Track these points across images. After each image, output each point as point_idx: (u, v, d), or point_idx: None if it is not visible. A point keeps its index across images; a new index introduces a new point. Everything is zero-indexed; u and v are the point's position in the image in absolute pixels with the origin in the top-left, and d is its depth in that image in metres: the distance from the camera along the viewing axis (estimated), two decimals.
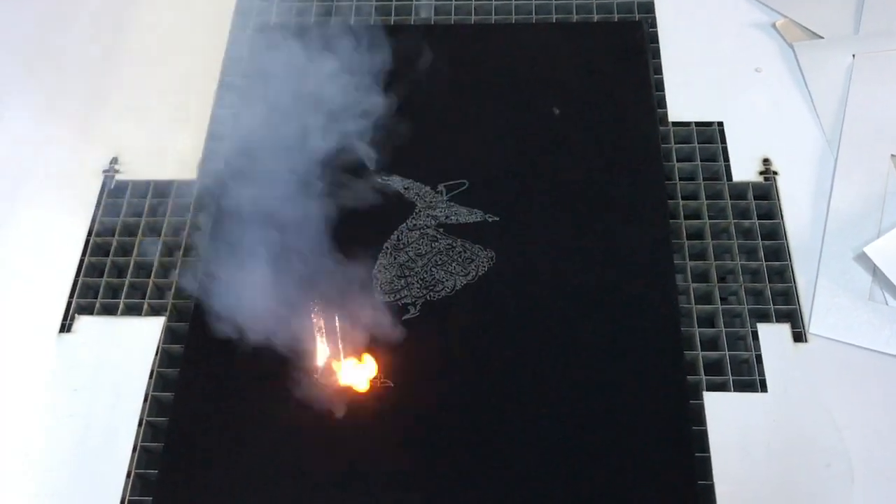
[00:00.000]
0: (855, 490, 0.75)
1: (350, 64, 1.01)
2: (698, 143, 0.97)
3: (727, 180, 0.94)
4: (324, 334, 0.83)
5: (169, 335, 0.86)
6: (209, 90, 1.04)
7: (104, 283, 0.89)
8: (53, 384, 0.83)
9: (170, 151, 0.98)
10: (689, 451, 0.76)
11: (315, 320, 0.83)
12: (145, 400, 0.82)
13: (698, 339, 0.84)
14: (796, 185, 0.93)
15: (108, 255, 0.92)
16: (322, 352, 0.82)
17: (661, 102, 1.00)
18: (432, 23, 1.10)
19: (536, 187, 0.93)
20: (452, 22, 1.10)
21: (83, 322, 0.87)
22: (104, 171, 0.97)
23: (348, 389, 0.80)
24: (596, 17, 1.09)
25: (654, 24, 1.08)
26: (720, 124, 0.98)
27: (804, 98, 1.00)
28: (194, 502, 0.76)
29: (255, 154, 0.94)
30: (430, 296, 0.86)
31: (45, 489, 0.77)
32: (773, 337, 0.84)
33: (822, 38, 1.05)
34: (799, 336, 0.84)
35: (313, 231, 0.87)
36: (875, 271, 0.86)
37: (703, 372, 0.82)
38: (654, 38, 1.06)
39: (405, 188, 0.93)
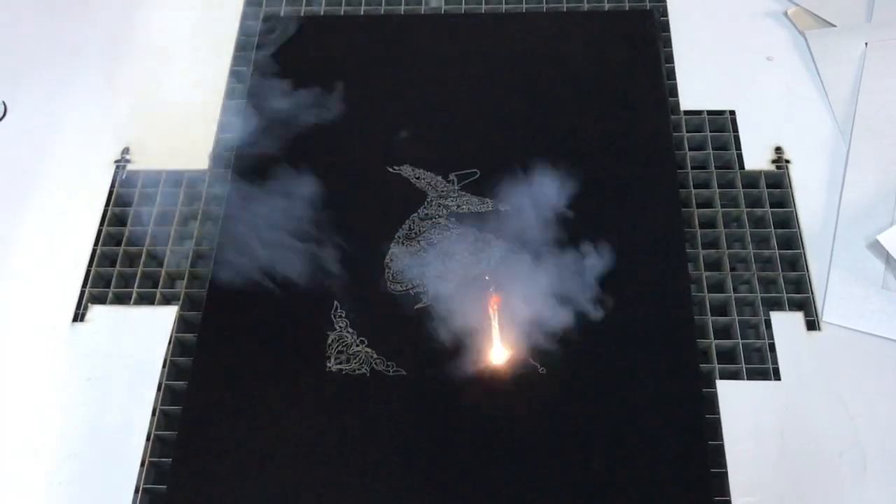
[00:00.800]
0: (868, 479, 0.75)
1: (358, 55, 1.01)
2: (710, 132, 0.97)
3: (739, 169, 0.94)
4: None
5: (182, 324, 0.86)
6: (220, 80, 1.04)
7: (116, 272, 0.90)
8: (67, 374, 0.83)
9: (181, 141, 0.98)
10: (702, 439, 0.76)
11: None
12: (159, 389, 0.82)
13: (711, 328, 0.84)
14: (809, 173, 0.93)
15: (120, 245, 0.92)
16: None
17: (673, 91, 1.00)
18: (443, 12, 1.10)
19: (548, 176, 0.92)
20: (463, 11, 1.09)
21: (96, 311, 0.87)
22: (116, 162, 0.97)
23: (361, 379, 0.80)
24: (607, 6, 1.09)
25: (665, 13, 1.07)
26: (732, 113, 0.98)
27: (816, 86, 1.00)
28: (208, 490, 0.76)
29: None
30: (441, 285, 0.86)
31: (59, 478, 0.78)
32: (786, 325, 0.83)
33: (834, 26, 1.04)
34: (812, 324, 0.83)
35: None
36: (888, 259, 0.86)
37: (716, 360, 0.82)
38: (666, 27, 1.06)
39: (416, 178, 0.93)
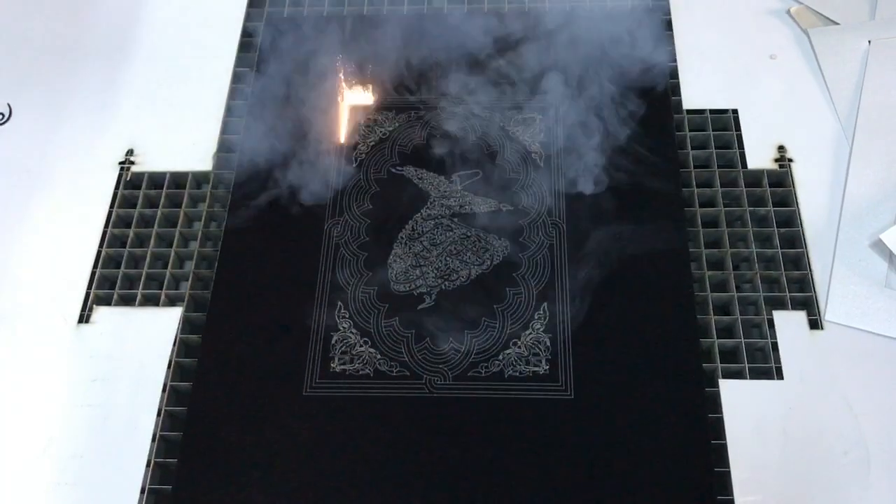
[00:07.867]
0: (872, 477, 0.75)
1: (364, 54, 1.02)
2: (713, 131, 0.97)
3: (742, 168, 0.94)
4: None
5: (186, 325, 0.87)
6: (223, 80, 1.04)
7: (121, 274, 0.90)
8: (72, 375, 0.84)
9: (185, 142, 0.99)
10: (705, 438, 0.76)
11: None
12: (164, 390, 0.82)
13: (714, 327, 0.84)
14: (811, 172, 0.93)
15: (124, 247, 0.92)
16: None
17: (676, 90, 1.00)
18: (445, 11, 1.09)
19: (550, 176, 0.93)
20: (466, 10, 1.09)
21: (101, 313, 0.88)
22: (120, 163, 0.98)
23: None
24: (609, 4, 1.08)
25: (668, 12, 1.07)
26: (735, 111, 0.98)
27: (819, 85, 1.00)
28: (213, 490, 0.76)
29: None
30: (444, 285, 0.86)
31: (65, 478, 0.78)
32: (788, 324, 0.84)
33: (837, 24, 1.04)
34: (815, 323, 0.84)
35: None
36: (891, 258, 0.86)
37: (718, 360, 0.82)
38: (669, 26, 1.06)
39: (419, 178, 0.93)
